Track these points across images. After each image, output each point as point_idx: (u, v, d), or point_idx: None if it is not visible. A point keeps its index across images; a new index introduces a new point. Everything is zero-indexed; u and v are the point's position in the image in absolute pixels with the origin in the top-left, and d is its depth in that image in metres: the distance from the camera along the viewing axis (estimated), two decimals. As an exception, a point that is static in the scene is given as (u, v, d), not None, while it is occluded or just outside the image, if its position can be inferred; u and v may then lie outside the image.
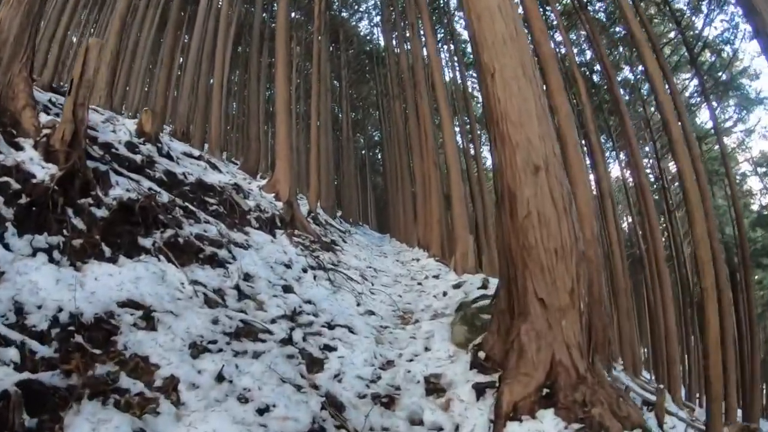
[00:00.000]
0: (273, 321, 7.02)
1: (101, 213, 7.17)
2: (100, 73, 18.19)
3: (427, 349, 7.51)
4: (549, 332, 5.21)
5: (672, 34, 28.91)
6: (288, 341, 6.50)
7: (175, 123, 24.23)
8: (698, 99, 29.75)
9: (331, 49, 36.68)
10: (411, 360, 7.11)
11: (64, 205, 6.87)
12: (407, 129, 31.00)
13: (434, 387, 6.29)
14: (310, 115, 26.34)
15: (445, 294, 10.47)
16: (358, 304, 9.42)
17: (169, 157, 12.23)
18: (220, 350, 5.66)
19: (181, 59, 31.66)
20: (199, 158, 14.19)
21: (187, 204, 9.70)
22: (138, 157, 10.31)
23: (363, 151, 53.53)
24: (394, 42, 30.75)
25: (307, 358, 6.33)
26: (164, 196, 9.08)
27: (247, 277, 8.15)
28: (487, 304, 8.08)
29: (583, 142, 22.96)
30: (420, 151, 20.93)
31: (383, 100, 39.03)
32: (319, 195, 19.25)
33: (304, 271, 9.81)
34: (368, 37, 42.90)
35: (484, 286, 9.52)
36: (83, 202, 7.17)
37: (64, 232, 6.55)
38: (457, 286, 10.80)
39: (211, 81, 22.04)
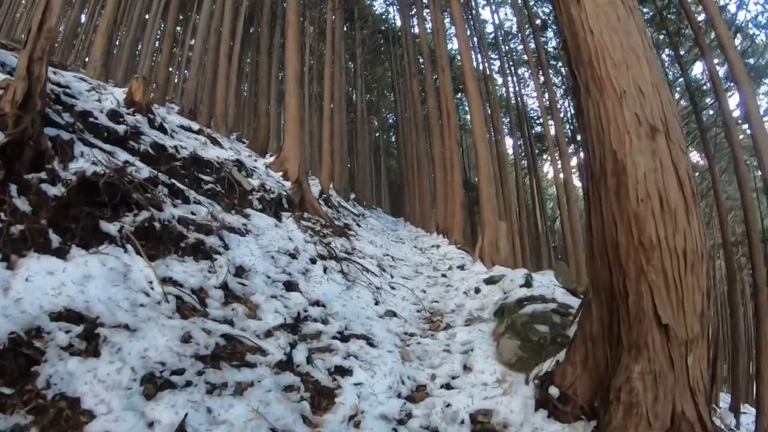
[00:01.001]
0: (268, 333, 5.23)
1: (55, 191, 5.44)
2: (96, 44, 16.48)
3: (466, 368, 5.71)
4: (670, 373, 3.39)
5: (701, 17, 26.81)
6: (287, 364, 4.72)
7: (183, 100, 22.57)
8: (728, 84, 27.58)
9: (345, 29, 34.68)
10: (448, 386, 5.31)
11: (5, 180, 5.15)
12: (425, 108, 29.06)
13: (483, 429, 4.51)
14: (323, 96, 24.48)
15: (477, 291, 8.65)
16: (377, 303, 7.64)
17: (162, 129, 10.45)
18: (188, 384, 3.88)
19: (192, 40, 29.85)
20: (198, 132, 12.40)
21: (174, 181, 7.94)
22: (121, 128, 8.57)
23: (377, 134, 51.61)
24: (412, 21, 28.71)
25: (313, 389, 4.55)
26: (144, 171, 7.30)
27: (239, 271, 6.38)
28: (539, 311, 6.27)
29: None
30: (440, 131, 19.00)
31: (399, 81, 37.05)
32: (332, 176, 17.40)
33: (313, 261, 8.02)
34: (383, 16, 40.77)
35: (528, 284, 7.68)
36: (32, 177, 5.44)
37: (2, 215, 4.82)
38: (490, 282, 9.00)
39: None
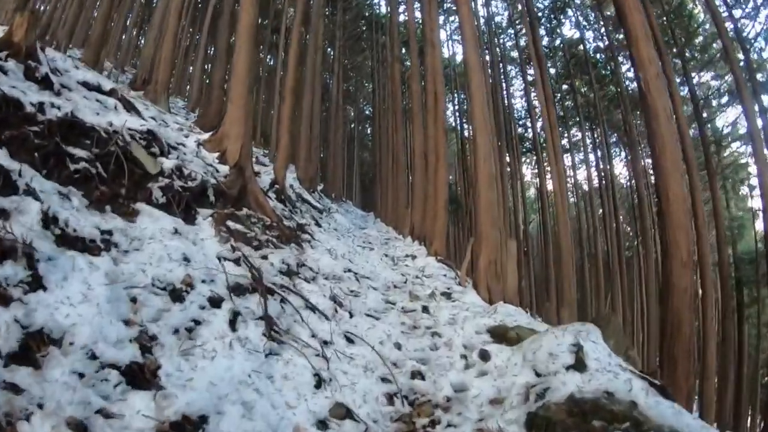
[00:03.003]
0: None
1: None
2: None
3: None
4: None
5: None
6: None
7: (138, 68, 18.74)
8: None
9: (327, 11, 30.90)
10: None
11: None
12: (406, 100, 25.61)
13: None
14: (304, 80, 20.74)
15: (484, 357, 5.13)
16: (319, 385, 4.16)
17: (45, 82, 6.84)
18: None
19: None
20: (109, 93, 8.70)
21: (-13, 152, 4.41)
22: (-49, 71, 5.04)
23: (353, 125, 47.90)
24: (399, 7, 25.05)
25: None
26: None
27: (31, 342, 2.87)
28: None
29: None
30: (423, 118, 15.51)
31: (379, 70, 33.47)
32: (290, 160, 13.59)
33: (215, 303, 4.48)
34: (368, 2, 36.89)
35: (580, 365, 4.29)
36: None
37: None
38: (499, 335, 5.60)
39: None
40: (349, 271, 8.67)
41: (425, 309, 7.35)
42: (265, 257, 6.58)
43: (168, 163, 7.15)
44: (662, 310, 7.58)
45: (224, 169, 8.84)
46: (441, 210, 12.28)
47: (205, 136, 9.75)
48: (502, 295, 8.23)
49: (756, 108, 14.60)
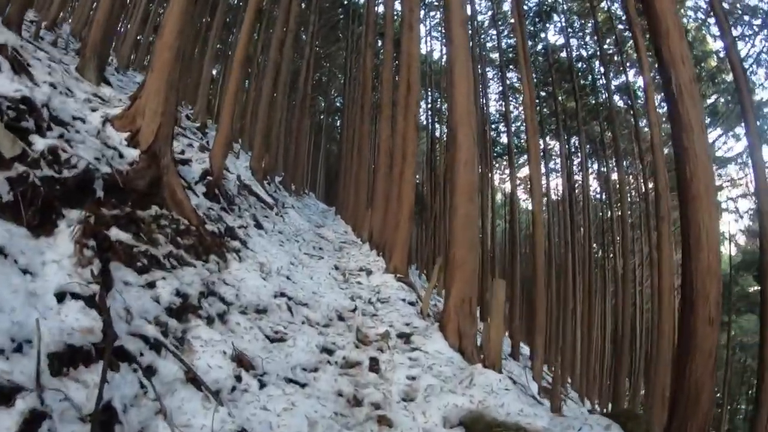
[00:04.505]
0: None
1: None
2: None
3: None
4: None
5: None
6: None
7: (86, 35, 16.36)
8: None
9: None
10: None
11: None
12: (378, 83, 23.65)
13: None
14: (272, 67, 18.46)
15: None
16: None
17: None
18: None
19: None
20: (-5, 49, 6.59)
21: None
22: None
23: (322, 116, 45.75)
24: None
25: None
26: None
27: None
28: None
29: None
30: (392, 110, 13.60)
31: (353, 60, 31.46)
32: (230, 145, 11.24)
33: (4, 399, 2.56)
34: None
35: None
36: None
37: None
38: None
39: None
40: (282, 295, 6.75)
41: (374, 363, 5.49)
42: (151, 285, 4.61)
43: (39, 144, 5.12)
44: (677, 372, 6.02)
45: (133, 153, 6.80)
46: (405, 219, 10.39)
47: (117, 110, 7.66)
48: (473, 342, 6.39)
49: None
